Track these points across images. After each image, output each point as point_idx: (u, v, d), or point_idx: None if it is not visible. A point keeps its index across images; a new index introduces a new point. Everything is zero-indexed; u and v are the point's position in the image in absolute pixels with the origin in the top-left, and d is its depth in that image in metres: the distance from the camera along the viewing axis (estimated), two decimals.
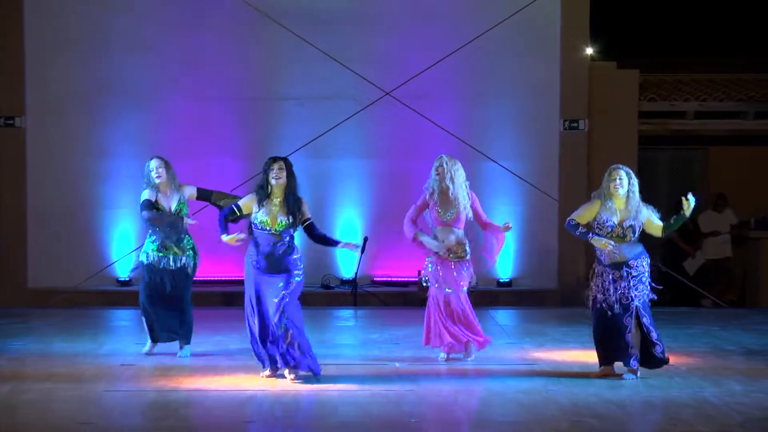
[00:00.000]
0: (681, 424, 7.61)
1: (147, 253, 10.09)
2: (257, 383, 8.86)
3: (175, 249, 10.07)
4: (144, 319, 10.15)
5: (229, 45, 15.05)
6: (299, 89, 15.09)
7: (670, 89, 16.00)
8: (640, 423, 7.79)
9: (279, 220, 8.91)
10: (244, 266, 9.08)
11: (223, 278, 14.73)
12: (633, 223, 9.07)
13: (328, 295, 14.88)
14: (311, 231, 9.06)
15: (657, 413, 8.02)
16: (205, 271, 14.89)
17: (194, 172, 14.92)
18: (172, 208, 10.06)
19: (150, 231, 10.13)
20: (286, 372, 8.97)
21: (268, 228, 8.90)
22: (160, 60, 14.99)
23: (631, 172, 9.16)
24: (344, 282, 15.10)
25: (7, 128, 14.89)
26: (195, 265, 10.22)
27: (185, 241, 10.14)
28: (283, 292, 8.88)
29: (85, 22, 14.89)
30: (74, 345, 10.46)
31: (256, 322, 8.94)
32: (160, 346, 10.18)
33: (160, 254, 10.06)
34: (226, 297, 14.25)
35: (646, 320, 9.06)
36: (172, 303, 10.07)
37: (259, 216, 8.94)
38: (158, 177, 10.02)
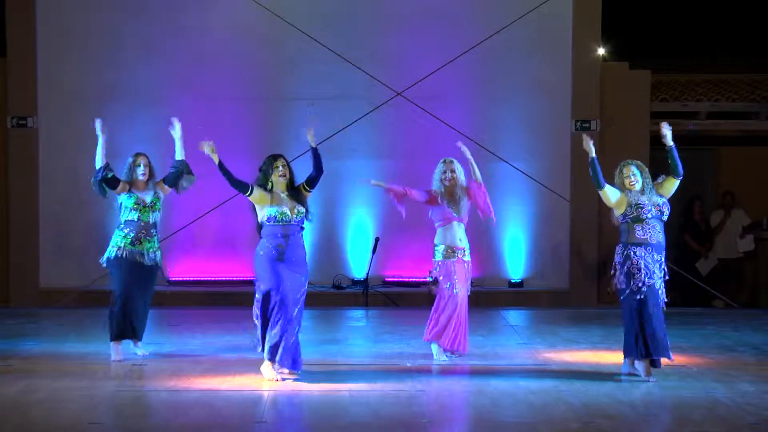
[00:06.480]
0: (692, 425, 7.60)
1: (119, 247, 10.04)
2: (268, 383, 8.86)
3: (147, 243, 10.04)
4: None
5: (239, 45, 15.05)
6: (310, 89, 15.06)
7: (682, 89, 15.96)
8: (652, 424, 7.77)
9: (297, 210, 9.18)
10: (259, 261, 9.11)
11: (232, 278, 14.73)
12: (664, 201, 9.18)
13: (340, 295, 14.87)
14: (312, 179, 9.37)
15: (668, 414, 8.01)
16: (213, 272, 14.99)
17: (204, 173, 14.97)
18: (147, 202, 10.07)
19: (121, 224, 10.06)
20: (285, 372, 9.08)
21: (288, 220, 9.13)
22: (171, 60, 14.99)
23: (642, 164, 9.20)
24: (356, 282, 15.08)
25: (19, 128, 14.91)
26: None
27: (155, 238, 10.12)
28: (303, 288, 9.12)
29: (96, 23, 14.90)
30: (85, 345, 10.48)
31: (281, 316, 8.97)
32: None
33: (133, 248, 10.01)
34: (236, 297, 14.23)
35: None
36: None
37: (275, 210, 9.10)
38: (143, 175, 10.13)
